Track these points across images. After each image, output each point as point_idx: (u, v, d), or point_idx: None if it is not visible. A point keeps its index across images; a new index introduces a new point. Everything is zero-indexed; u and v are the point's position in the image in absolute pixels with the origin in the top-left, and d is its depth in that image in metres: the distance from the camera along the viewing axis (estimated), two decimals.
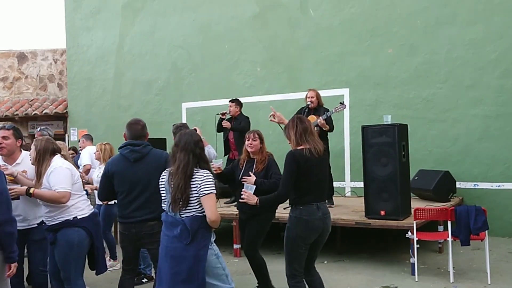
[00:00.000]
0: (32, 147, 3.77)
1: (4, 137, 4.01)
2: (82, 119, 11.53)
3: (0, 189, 3.01)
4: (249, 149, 4.56)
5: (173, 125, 4.93)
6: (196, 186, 3.14)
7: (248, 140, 4.55)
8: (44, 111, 11.98)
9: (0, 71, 13.06)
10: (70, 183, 3.61)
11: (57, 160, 3.71)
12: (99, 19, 11.29)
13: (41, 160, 3.67)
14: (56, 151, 3.77)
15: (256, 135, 4.55)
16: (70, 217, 3.61)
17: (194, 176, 3.15)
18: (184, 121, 9.56)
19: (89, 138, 7.87)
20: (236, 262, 6.17)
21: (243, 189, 3.76)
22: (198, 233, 3.16)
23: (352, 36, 8.34)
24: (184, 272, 3.13)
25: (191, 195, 3.14)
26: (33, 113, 11.95)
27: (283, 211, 6.33)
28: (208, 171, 3.23)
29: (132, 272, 3.93)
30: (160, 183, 3.35)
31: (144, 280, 5.32)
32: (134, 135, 3.83)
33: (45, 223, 3.78)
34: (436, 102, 7.68)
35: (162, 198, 3.34)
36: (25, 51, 13.11)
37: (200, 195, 3.13)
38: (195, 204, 3.16)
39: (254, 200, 3.63)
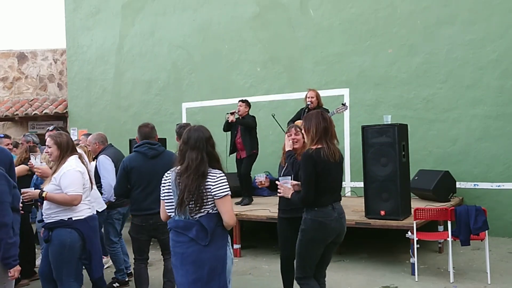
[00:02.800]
0: (53, 145, 3.73)
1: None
2: (82, 119, 11.52)
3: None
4: (294, 146, 3.96)
5: (177, 124, 4.98)
6: (209, 188, 2.86)
7: (291, 135, 3.96)
8: (44, 111, 11.97)
9: (0, 71, 13.06)
10: (81, 186, 3.66)
11: (71, 161, 3.71)
12: (99, 19, 11.28)
13: (61, 157, 3.70)
14: (73, 149, 3.82)
15: (298, 129, 3.95)
16: (65, 218, 3.62)
17: (207, 177, 2.89)
18: (184, 121, 9.56)
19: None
20: (236, 262, 6.15)
21: (279, 182, 3.44)
22: (216, 232, 2.90)
23: (352, 36, 8.33)
24: (205, 277, 2.85)
25: (204, 197, 2.86)
26: (33, 113, 11.94)
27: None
28: (220, 171, 2.94)
29: (146, 261, 4.36)
30: (163, 184, 3.03)
31: (116, 285, 5.21)
32: (145, 136, 4.33)
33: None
34: (436, 102, 7.68)
35: (166, 200, 3.00)
36: (25, 51, 13.11)
37: (216, 198, 2.87)
38: (207, 204, 2.89)
39: (289, 193, 3.38)
